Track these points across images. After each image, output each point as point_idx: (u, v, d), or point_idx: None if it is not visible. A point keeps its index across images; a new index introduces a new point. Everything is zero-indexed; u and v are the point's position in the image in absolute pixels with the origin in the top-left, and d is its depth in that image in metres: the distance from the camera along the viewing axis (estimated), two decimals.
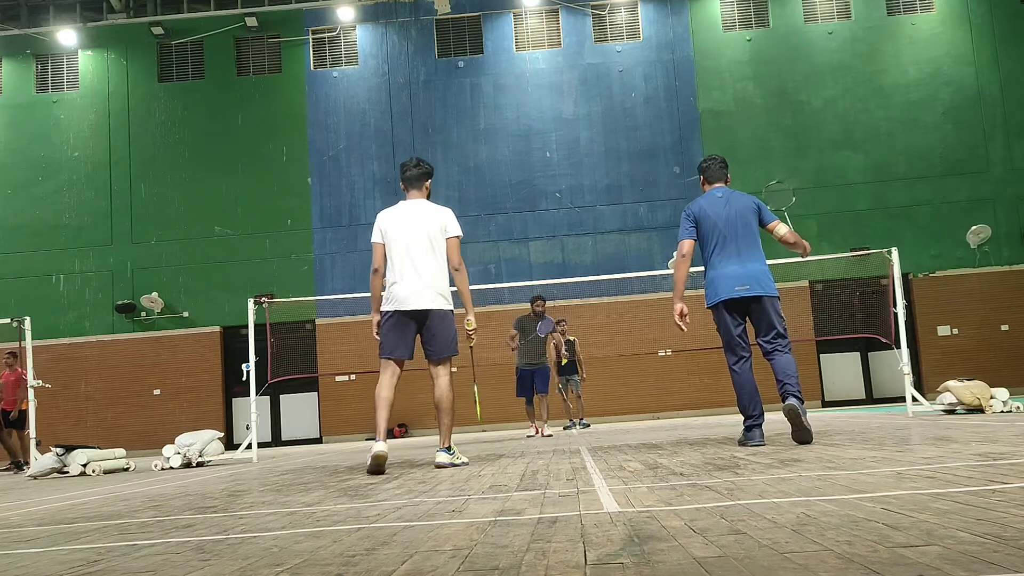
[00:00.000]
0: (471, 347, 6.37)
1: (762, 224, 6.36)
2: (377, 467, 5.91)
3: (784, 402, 5.97)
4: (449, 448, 6.29)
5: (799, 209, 19.51)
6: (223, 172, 20.27)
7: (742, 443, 6.22)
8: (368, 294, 6.82)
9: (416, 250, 6.18)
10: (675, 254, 6.62)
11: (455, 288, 6.39)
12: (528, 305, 12.80)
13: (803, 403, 5.97)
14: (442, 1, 19.51)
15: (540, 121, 20.23)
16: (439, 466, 6.18)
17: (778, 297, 6.29)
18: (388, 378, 6.19)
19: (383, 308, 6.25)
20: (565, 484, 4.28)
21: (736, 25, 20.38)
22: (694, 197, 19.39)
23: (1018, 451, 4.37)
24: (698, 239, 6.40)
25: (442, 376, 6.25)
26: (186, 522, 3.81)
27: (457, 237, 6.32)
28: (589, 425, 14.94)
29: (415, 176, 6.43)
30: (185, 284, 19.93)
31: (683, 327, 6.32)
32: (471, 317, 6.39)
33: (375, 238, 6.37)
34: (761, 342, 6.25)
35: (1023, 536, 2.08)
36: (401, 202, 6.46)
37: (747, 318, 6.32)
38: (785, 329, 6.26)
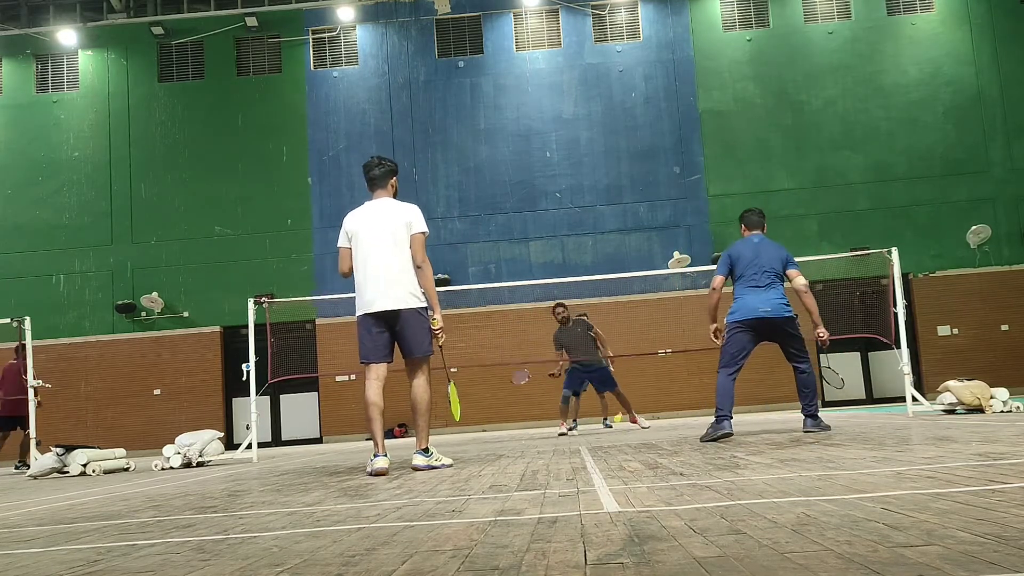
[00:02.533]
0: (440, 346, 6.29)
1: (784, 270, 7.65)
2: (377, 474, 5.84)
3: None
4: (427, 450, 6.13)
5: (799, 209, 19.53)
6: (223, 172, 20.26)
7: (711, 435, 7.10)
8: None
9: (381, 249, 6.05)
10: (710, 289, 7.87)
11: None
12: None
13: (816, 419, 7.46)
14: (442, 1, 19.51)
15: (540, 121, 20.22)
16: (416, 469, 6.04)
17: (792, 317, 7.51)
18: (374, 382, 6.07)
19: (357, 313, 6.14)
20: (565, 484, 4.28)
21: (736, 25, 20.37)
22: (694, 197, 19.70)
23: (1018, 451, 4.37)
24: (731, 274, 7.62)
25: (418, 376, 6.12)
26: (186, 522, 3.81)
27: (422, 233, 6.15)
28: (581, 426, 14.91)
29: (379, 175, 6.28)
30: (185, 284, 19.92)
31: (717, 342, 7.58)
32: (437, 316, 6.21)
33: (341, 242, 6.26)
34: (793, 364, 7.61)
35: (1023, 536, 2.08)
36: (367, 202, 6.31)
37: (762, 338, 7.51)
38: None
